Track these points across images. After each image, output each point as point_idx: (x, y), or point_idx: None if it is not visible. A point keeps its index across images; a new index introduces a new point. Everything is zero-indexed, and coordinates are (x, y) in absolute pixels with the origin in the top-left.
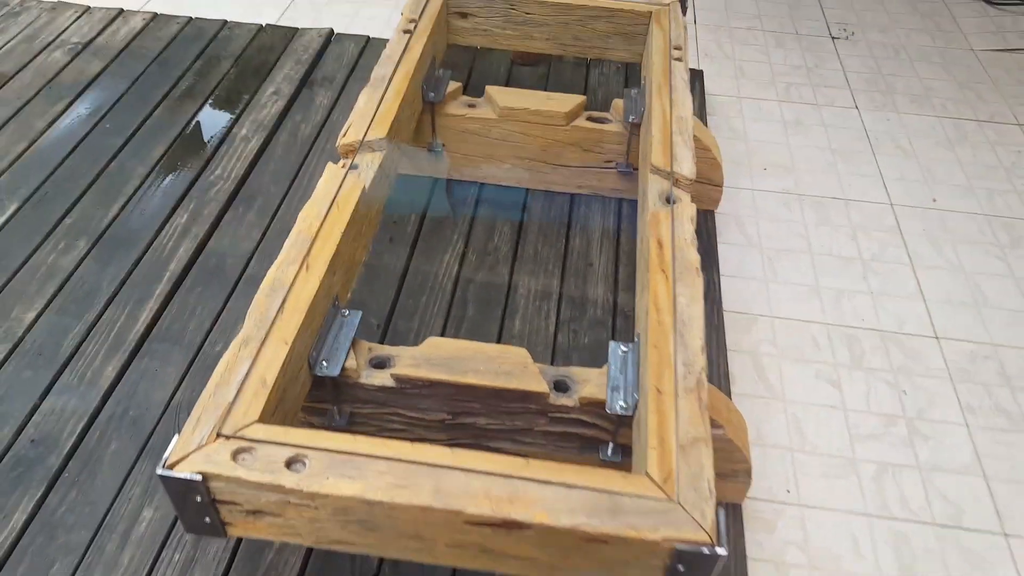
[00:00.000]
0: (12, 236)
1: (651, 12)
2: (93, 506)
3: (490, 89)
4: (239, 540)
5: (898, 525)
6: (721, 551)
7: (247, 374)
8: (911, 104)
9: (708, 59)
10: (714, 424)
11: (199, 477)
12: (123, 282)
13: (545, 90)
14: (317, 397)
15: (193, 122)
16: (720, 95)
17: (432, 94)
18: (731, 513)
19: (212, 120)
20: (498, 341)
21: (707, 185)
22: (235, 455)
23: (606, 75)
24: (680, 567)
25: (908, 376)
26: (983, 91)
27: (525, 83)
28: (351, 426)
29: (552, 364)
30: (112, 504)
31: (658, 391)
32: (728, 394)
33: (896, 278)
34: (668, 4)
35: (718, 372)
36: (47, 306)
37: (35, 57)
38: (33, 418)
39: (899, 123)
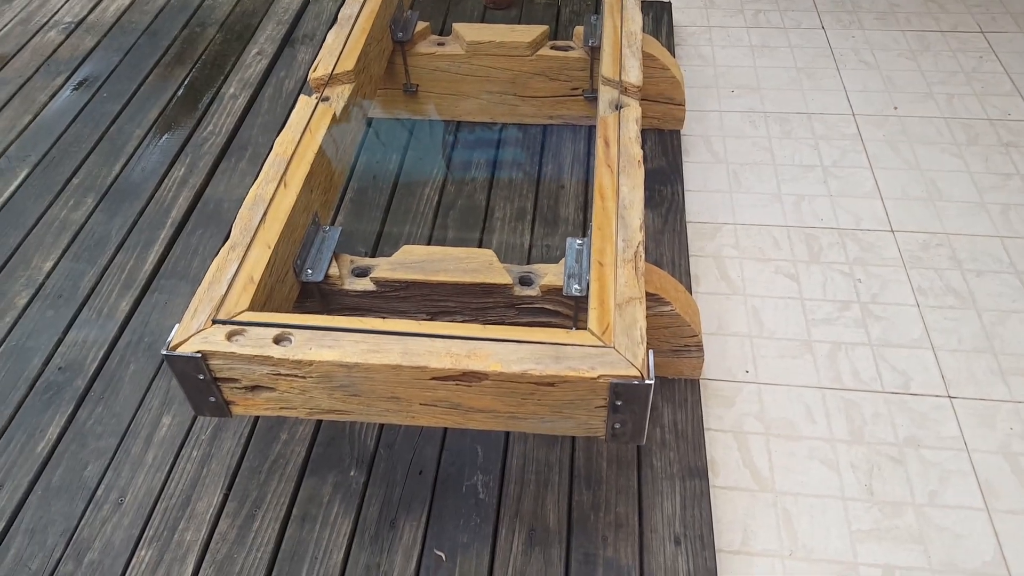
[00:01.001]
0: (26, 197)
1: None
2: (118, 417)
3: (457, 26)
4: (250, 436)
5: (849, 395)
6: (649, 381)
7: (236, 273)
8: (876, 21)
9: None
10: (661, 301)
11: (199, 355)
12: (130, 230)
13: None
14: (307, 307)
15: (184, 85)
16: (689, 25)
17: (400, 33)
18: (688, 387)
19: (201, 82)
20: None
21: (669, 104)
22: (229, 336)
23: (577, 12)
24: (618, 402)
25: (863, 266)
26: (947, 3)
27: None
28: None
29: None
30: (135, 415)
31: (600, 263)
32: (690, 291)
33: (855, 180)
34: None
35: (679, 272)
36: (63, 254)
37: (32, 37)
38: (59, 349)
39: (864, 39)
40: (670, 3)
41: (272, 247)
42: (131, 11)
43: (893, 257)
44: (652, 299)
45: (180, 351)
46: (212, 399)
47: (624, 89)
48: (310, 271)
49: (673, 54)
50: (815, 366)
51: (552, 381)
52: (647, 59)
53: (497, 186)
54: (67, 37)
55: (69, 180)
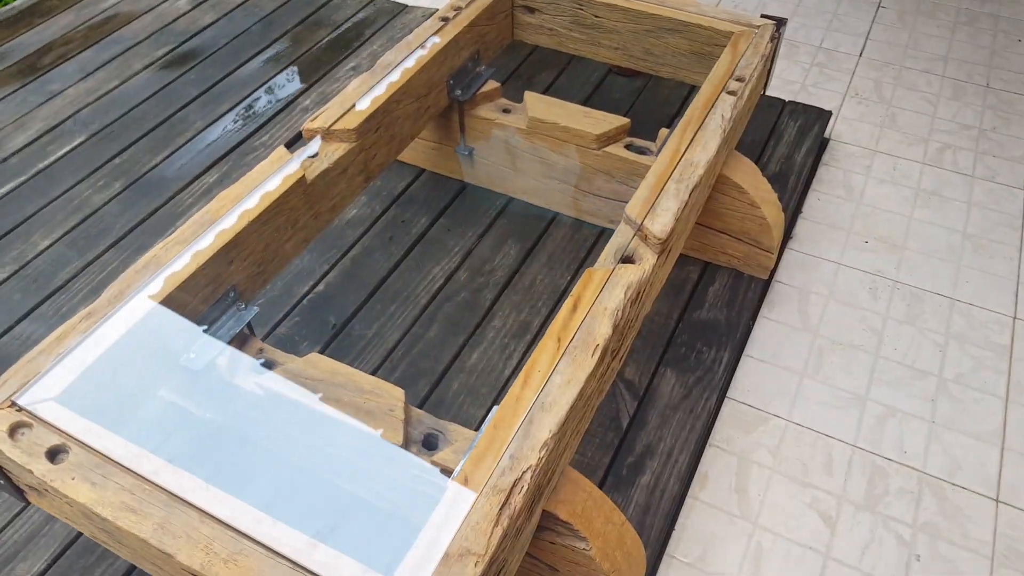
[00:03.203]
0: (66, 167)
1: (731, 33)
2: None
3: (529, 95)
4: None
5: None
6: None
7: (75, 348)
8: None
9: (855, 99)
10: (576, 535)
11: None
12: (132, 229)
13: (632, 107)
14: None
15: (265, 86)
16: (850, 144)
17: (459, 91)
18: None
19: (284, 86)
20: (446, 371)
21: (754, 248)
22: (13, 429)
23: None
24: None
25: (932, 539)
26: None
27: (615, 94)
28: None
29: (488, 412)
30: None
31: (465, 479)
32: (678, 501)
33: (976, 411)
34: (757, 27)
35: (673, 471)
36: (61, 238)
37: (163, 3)
38: (1, 338)
39: None
40: (831, 113)
41: (131, 326)
42: None
43: (981, 540)
44: (565, 527)
45: None
46: (3, 481)
47: (643, 236)
48: (192, 355)
49: (811, 175)
50: None
51: None
52: (733, 190)
53: (513, 287)
54: (192, 8)
55: (111, 159)
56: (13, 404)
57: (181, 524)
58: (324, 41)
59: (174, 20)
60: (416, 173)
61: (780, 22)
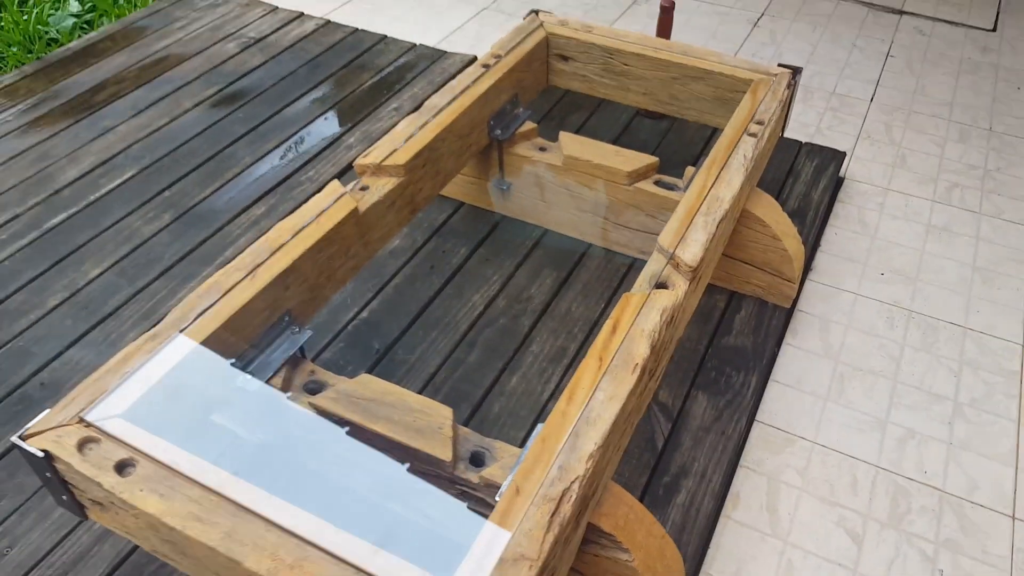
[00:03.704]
0: (117, 199)
1: (751, 81)
2: None
3: (563, 135)
4: None
5: None
6: None
7: (139, 367)
8: None
9: (868, 142)
10: (619, 546)
11: (41, 454)
12: (181, 259)
13: (658, 147)
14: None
15: (311, 124)
16: (864, 182)
17: (499, 131)
18: None
19: (329, 125)
20: (487, 394)
21: (777, 278)
22: (82, 443)
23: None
24: None
25: (954, 555)
26: None
27: (642, 135)
28: None
29: (529, 433)
30: None
31: (517, 490)
32: (713, 517)
33: (991, 433)
34: (775, 75)
35: (707, 489)
36: (112, 266)
37: (213, 45)
38: (52, 364)
39: None
40: (845, 153)
41: (194, 347)
42: (309, 39)
43: (1001, 556)
44: (608, 540)
45: (28, 444)
46: (64, 498)
47: (675, 264)
48: (249, 376)
49: (828, 212)
50: None
51: None
52: (756, 223)
53: (550, 314)
54: (241, 51)
55: (161, 192)
56: (81, 420)
57: (247, 533)
58: (367, 84)
59: (223, 62)
60: (456, 206)
61: (796, 71)
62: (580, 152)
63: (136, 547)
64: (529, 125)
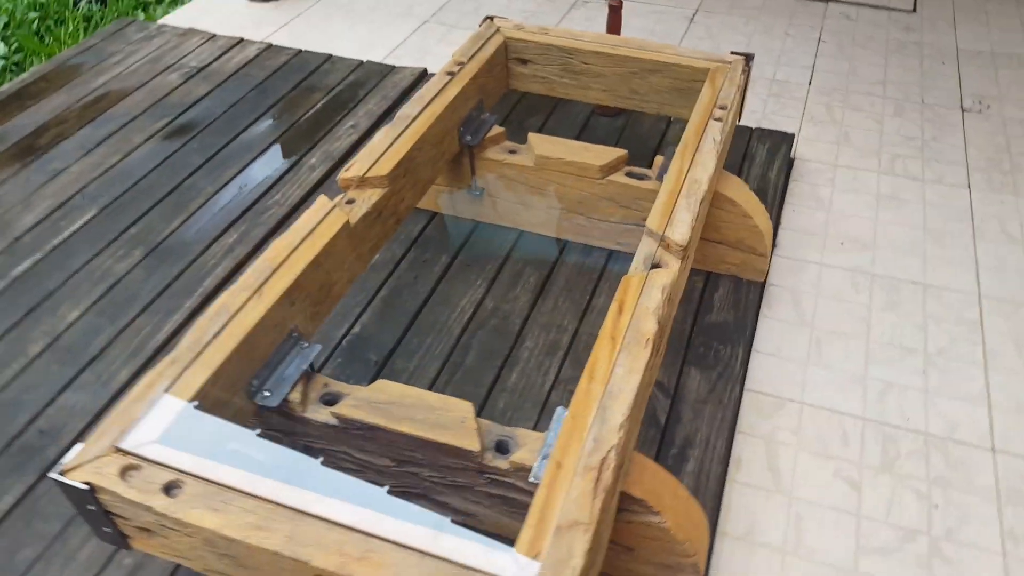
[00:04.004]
0: (82, 241)
1: (708, 70)
2: None
3: (532, 136)
4: None
5: None
6: None
7: (164, 393)
8: None
9: (812, 123)
10: (650, 509)
11: (86, 487)
12: (160, 293)
13: (617, 143)
14: (272, 426)
15: (269, 148)
16: (813, 161)
17: (469, 137)
18: None
19: (287, 148)
20: (490, 392)
21: (750, 254)
22: (123, 471)
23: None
24: None
25: (945, 489)
26: None
27: (600, 133)
28: None
29: (537, 423)
30: None
31: (558, 464)
32: (722, 480)
33: (961, 377)
34: (729, 62)
35: (714, 455)
36: (90, 307)
37: (154, 78)
38: (47, 410)
39: (1014, 208)
40: (794, 135)
41: (215, 369)
42: (252, 64)
43: (986, 485)
44: (639, 505)
45: (69, 478)
46: (107, 529)
47: (666, 245)
48: (267, 392)
49: (784, 190)
50: None
51: None
52: (727, 204)
53: (538, 310)
54: (184, 82)
55: (126, 230)
56: (118, 450)
57: (309, 533)
58: (319, 104)
59: (168, 94)
60: (429, 217)
61: (749, 57)
62: (551, 151)
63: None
64: (497, 129)
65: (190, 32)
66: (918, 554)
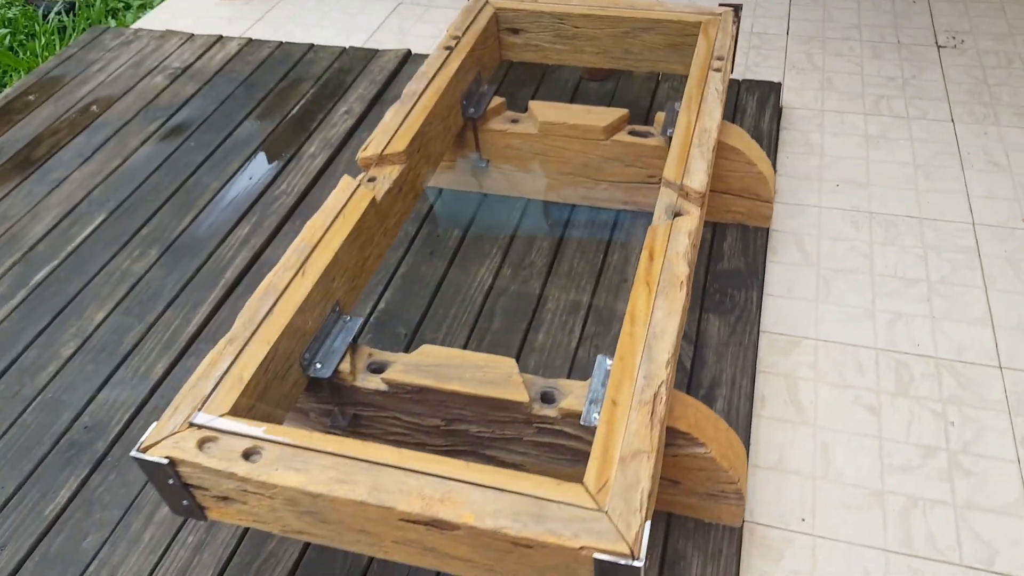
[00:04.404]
0: (96, 244)
1: (700, 23)
2: (128, 488)
3: (533, 104)
4: (246, 528)
5: (920, 564)
6: (638, 563)
7: (227, 370)
8: (1015, 117)
9: (795, 71)
10: (695, 441)
11: (166, 461)
12: (183, 287)
13: (610, 105)
14: (321, 398)
15: (267, 140)
16: (801, 108)
17: (472, 110)
18: (725, 535)
19: (285, 138)
20: (519, 354)
21: (756, 200)
22: (201, 443)
23: (677, 88)
24: None
25: (959, 407)
26: None
27: (591, 99)
28: (358, 428)
29: (568, 378)
30: (143, 487)
31: (614, 402)
32: (750, 416)
33: (964, 302)
34: (719, 14)
35: (739, 393)
36: (115, 307)
37: (139, 82)
38: (89, 407)
39: (998, 137)
40: (780, 84)
41: (272, 343)
42: (236, 60)
43: (997, 400)
44: (685, 439)
45: (149, 455)
46: (185, 502)
47: (685, 193)
48: (319, 365)
49: (776, 139)
50: (884, 523)
51: (529, 543)
52: (731, 153)
53: (555, 273)
54: (171, 83)
55: (139, 230)
56: (192, 425)
57: (390, 482)
58: (310, 93)
59: (156, 96)
60: (436, 193)
61: (737, 8)
62: (554, 117)
63: (236, 549)
64: (498, 100)
65: (168, 34)
66: (939, 468)
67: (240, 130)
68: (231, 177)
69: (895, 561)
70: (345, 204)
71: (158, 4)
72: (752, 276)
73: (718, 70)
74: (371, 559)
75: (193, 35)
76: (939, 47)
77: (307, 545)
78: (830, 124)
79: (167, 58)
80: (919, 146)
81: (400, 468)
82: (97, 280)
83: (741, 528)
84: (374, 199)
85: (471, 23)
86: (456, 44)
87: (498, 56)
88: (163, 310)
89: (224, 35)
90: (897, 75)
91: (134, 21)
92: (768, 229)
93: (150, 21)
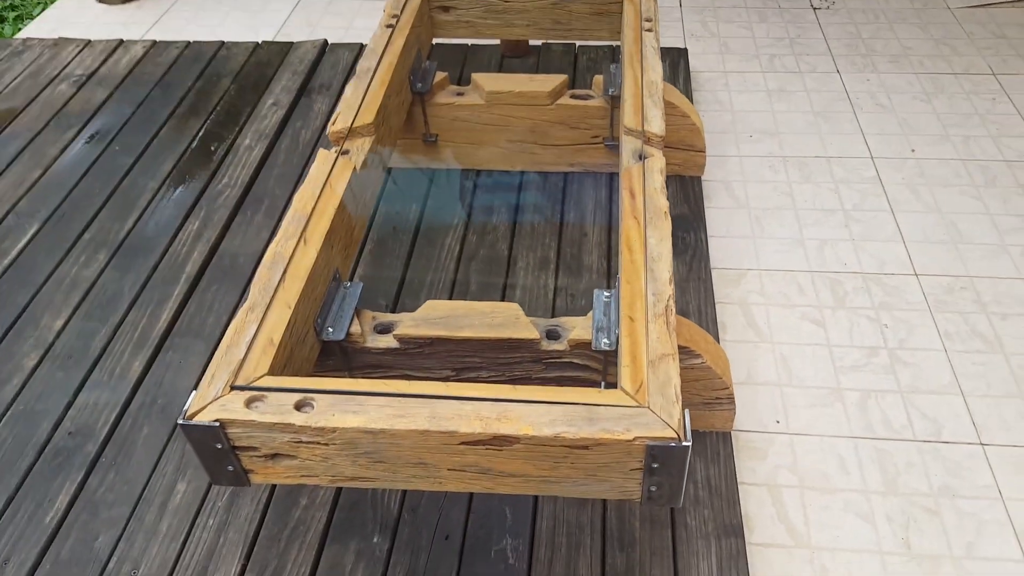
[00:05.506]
0: (36, 253)
1: None
2: (131, 484)
3: (476, 76)
4: (268, 501)
5: (881, 444)
6: (686, 443)
7: (255, 335)
8: (889, 64)
9: (694, 39)
10: (692, 353)
11: (216, 423)
12: (143, 286)
13: None
14: (329, 365)
15: (198, 137)
16: (706, 71)
17: (419, 84)
18: (720, 440)
19: (216, 134)
20: None
21: (690, 151)
22: (248, 403)
23: (594, 59)
24: (654, 464)
25: (889, 311)
26: (959, 46)
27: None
28: None
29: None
30: (148, 481)
31: (631, 319)
32: (717, 340)
33: (876, 224)
34: None
35: (705, 320)
36: (73, 313)
37: (42, 91)
38: (69, 413)
39: (879, 83)
40: (687, 49)
41: (292, 307)
42: (144, 62)
43: (918, 301)
44: (683, 352)
45: (197, 420)
46: (230, 468)
47: (647, 139)
48: (331, 329)
49: (691, 100)
50: (846, 415)
51: (586, 444)
52: (667, 107)
53: (519, 234)
54: (78, 90)
55: (80, 236)
56: (234, 387)
57: (447, 411)
58: (232, 89)
59: (65, 104)
60: (386, 172)
61: None
62: (500, 86)
63: (262, 523)
64: (441, 75)
65: (62, 42)
66: (883, 364)
67: (166, 129)
68: (168, 176)
69: (863, 445)
70: (329, 174)
71: (38, 14)
72: (697, 220)
73: (649, 31)
74: (400, 513)
75: (91, 41)
76: (814, 8)
77: (334, 508)
78: (734, 83)
79: (67, 66)
80: (814, 96)
81: (453, 398)
82: (47, 288)
83: (731, 434)
84: (354, 168)
85: (406, 2)
86: (396, 23)
87: (431, 34)
88: (126, 311)
89: (124, 39)
90: (784, 36)
91: (14, 33)
92: (701, 178)
93: (35, 30)
